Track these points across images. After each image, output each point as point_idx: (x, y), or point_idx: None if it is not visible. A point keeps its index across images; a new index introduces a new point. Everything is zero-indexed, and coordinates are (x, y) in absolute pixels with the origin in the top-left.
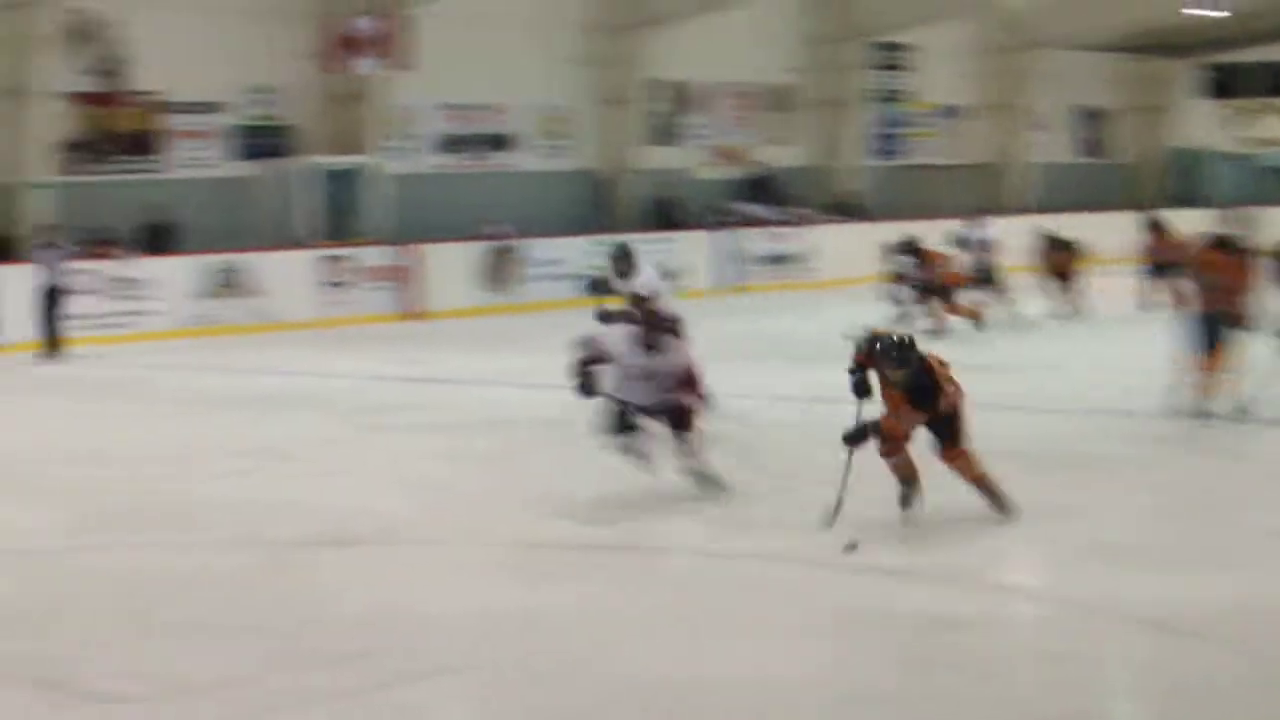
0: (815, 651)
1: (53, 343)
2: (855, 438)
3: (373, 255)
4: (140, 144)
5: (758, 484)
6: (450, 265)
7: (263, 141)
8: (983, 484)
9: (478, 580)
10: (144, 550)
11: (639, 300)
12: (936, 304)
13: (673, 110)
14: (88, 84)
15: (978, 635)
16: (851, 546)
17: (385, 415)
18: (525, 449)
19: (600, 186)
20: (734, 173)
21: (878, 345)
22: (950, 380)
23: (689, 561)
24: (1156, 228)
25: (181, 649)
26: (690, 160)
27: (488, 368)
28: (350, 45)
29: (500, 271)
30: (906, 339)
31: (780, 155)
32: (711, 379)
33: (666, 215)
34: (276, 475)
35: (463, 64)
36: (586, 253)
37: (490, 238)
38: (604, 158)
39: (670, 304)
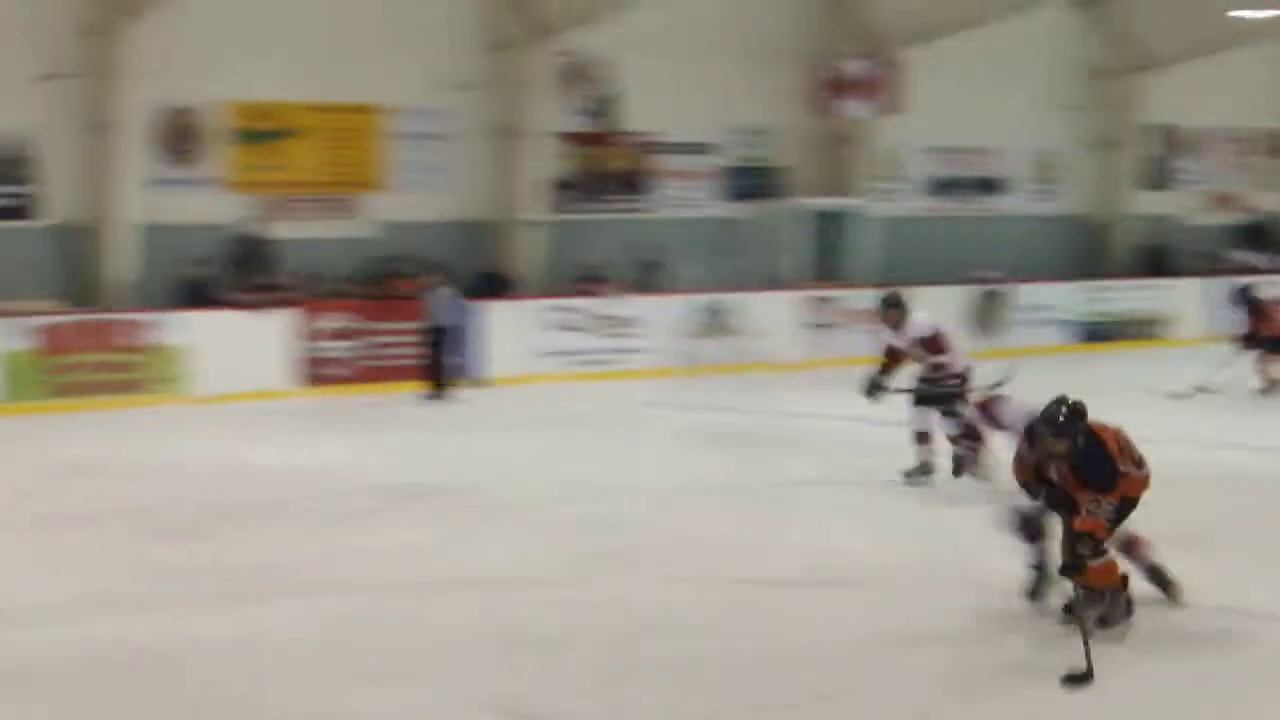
0: None
1: (438, 383)
2: (1024, 526)
3: (859, 298)
4: (629, 183)
5: None
6: (937, 309)
7: (750, 182)
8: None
9: (942, 627)
10: (619, 586)
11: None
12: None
13: (1165, 154)
14: (579, 124)
15: None
16: None
17: (872, 458)
18: None
19: (1091, 231)
20: (1228, 219)
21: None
22: (1135, 460)
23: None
24: None
25: (643, 686)
26: (1183, 206)
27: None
28: (840, 88)
29: (988, 316)
30: (1071, 405)
31: (1276, 201)
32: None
33: (1158, 261)
34: (757, 515)
35: (952, 107)
36: (1075, 299)
37: (980, 281)
38: (1095, 202)
39: (957, 353)
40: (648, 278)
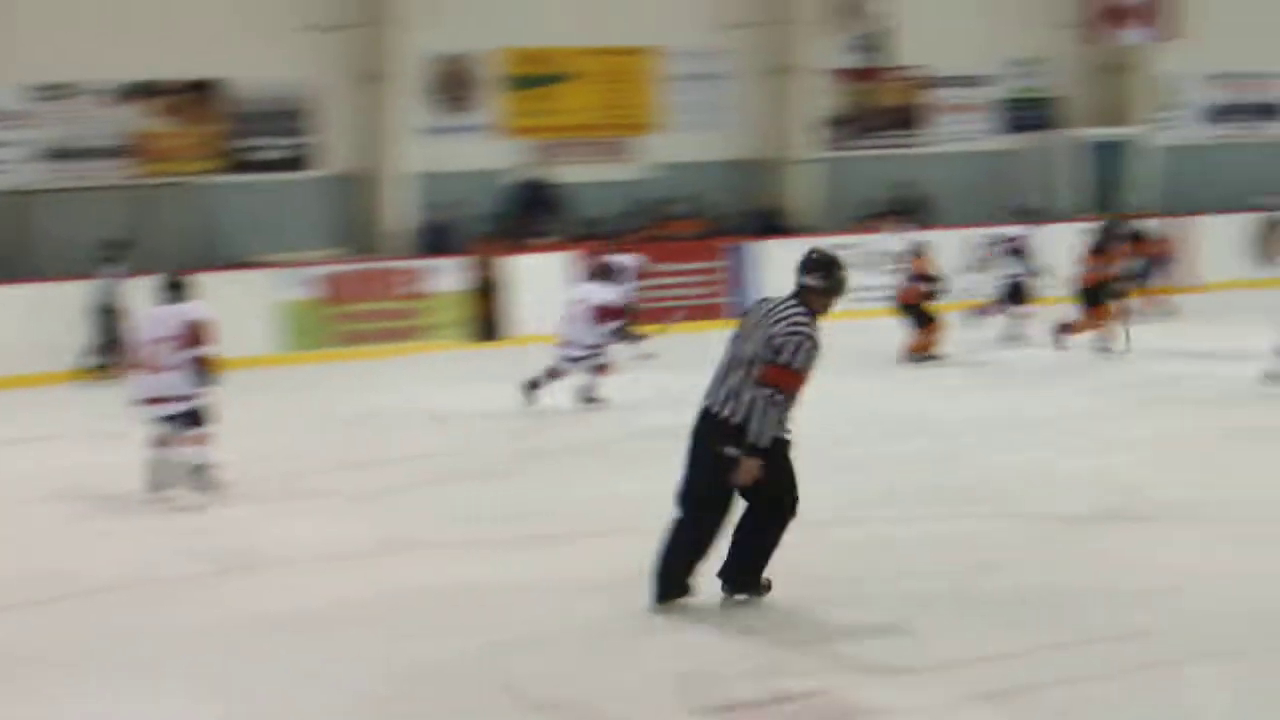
0: None
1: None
2: None
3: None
4: (903, 119)
5: None
6: (1219, 238)
7: (1026, 114)
8: None
9: (1262, 563)
10: (930, 521)
11: None
12: None
13: None
14: (852, 60)
15: None
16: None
17: (1157, 389)
18: None
19: None
20: None
21: None
22: None
23: None
24: None
25: (953, 621)
26: None
27: (1254, 343)
28: (1115, 15)
29: (1271, 244)
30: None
31: None
32: None
33: None
34: (1059, 449)
35: (1232, 31)
36: None
37: (1263, 209)
38: None
39: None
40: (923, 214)
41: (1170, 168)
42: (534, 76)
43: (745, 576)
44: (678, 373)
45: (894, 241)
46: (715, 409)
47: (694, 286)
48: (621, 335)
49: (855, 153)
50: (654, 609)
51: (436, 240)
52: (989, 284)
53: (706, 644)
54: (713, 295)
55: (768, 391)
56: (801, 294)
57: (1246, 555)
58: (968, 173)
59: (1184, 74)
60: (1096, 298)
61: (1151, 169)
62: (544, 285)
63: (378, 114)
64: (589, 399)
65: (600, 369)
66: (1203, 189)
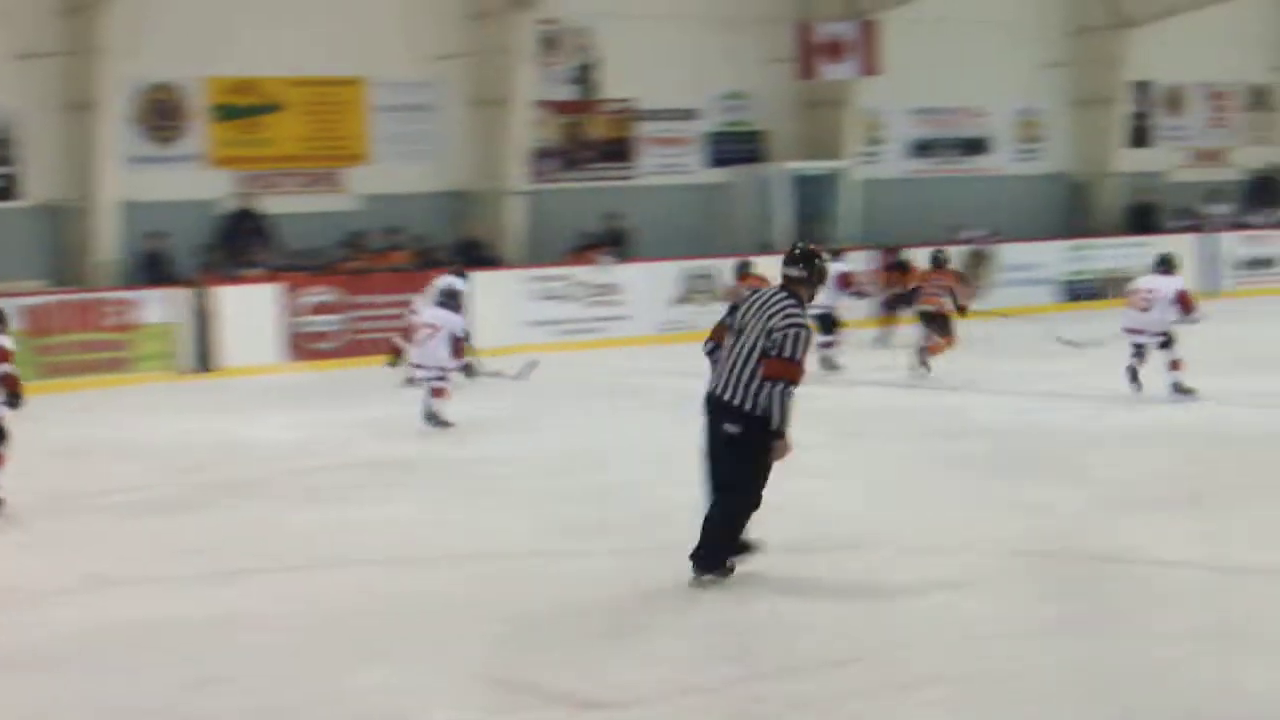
0: None
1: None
2: None
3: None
4: (612, 151)
5: (1245, 494)
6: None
7: (735, 148)
8: None
9: (953, 589)
10: (613, 555)
11: None
12: None
13: (1149, 111)
14: (562, 93)
15: None
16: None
17: (866, 422)
18: (1011, 454)
19: (1075, 189)
20: (1220, 174)
21: None
22: None
23: (1190, 576)
24: None
25: (647, 656)
26: (1167, 163)
27: (967, 375)
28: (822, 50)
29: (974, 276)
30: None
31: (1261, 156)
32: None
33: (1142, 219)
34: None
35: (934, 68)
36: (1060, 258)
37: (965, 242)
38: (1079, 160)
39: None
40: (630, 246)
41: (875, 200)
42: (242, 106)
43: (713, 558)
44: (386, 405)
45: (601, 274)
46: (722, 394)
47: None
48: (464, 369)
49: (564, 185)
50: (696, 582)
51: (146, 271)
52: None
53: (397, 683)
54: None
55: (779, 385)
56: (788, 285)
57: (922, 582)
58: (677, 205)
59: (888, 108)
60: (944, 321)
61: (855, 202)
62: (254, 317)
63: (85, 143)
64: (436, 421)
65: (438, 391)
66: (907, 221)
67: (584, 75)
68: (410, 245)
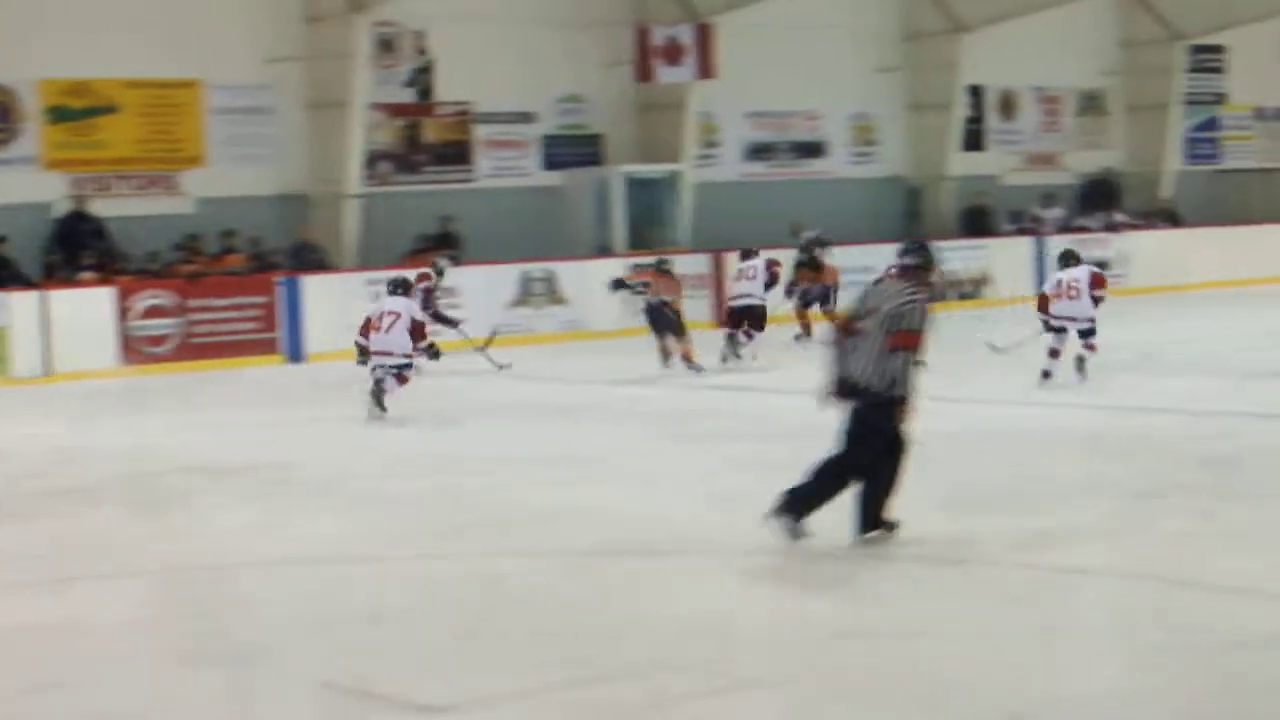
0: (1145, 669)
1: None
2: None
3: (683, 264)
4: (449, 154)
5: (1069, 495)
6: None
7: (571, 151)
8: None
9: (782, 591)
10: (452, 560)
11: None
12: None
13: (982, 116)
14: (398, 96)
15: None
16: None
17: (690, 424)
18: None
19: (911, 193)
20: (1053, 178)
21: None
22: None
23: (1014, 575)
24: None
25: (483, 659)
26: (1001, 166)
27: (786, 375)
28: (659, 54)
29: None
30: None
31: (1093, 160)
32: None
33: (976, 222)
34: (585, 482)
35: (769, 72)
36: (895, 261)
37: (799, 245)
38: (915, 164)
39: None
40: (464, 249)
41: (711, 204)
42: (76, 109)
43: (871, 518)
44: (223, 410)
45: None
46: (851, 376)
47: (244, 321)
48: (428, 350)
49: (401, 188)
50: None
51: None
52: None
53: (235, 689)
54: (262, 330)
55: (902, 354)
56: (905, 273)
57: (765, 586)
58: (514, 208)
59: (725, 112)
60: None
61: (690, 205)
62: (88, 320)
63: None
64: (379, 405)
65: (402, 378)
66: (744, 225)
67: (421, 78)
68: (246, 248)
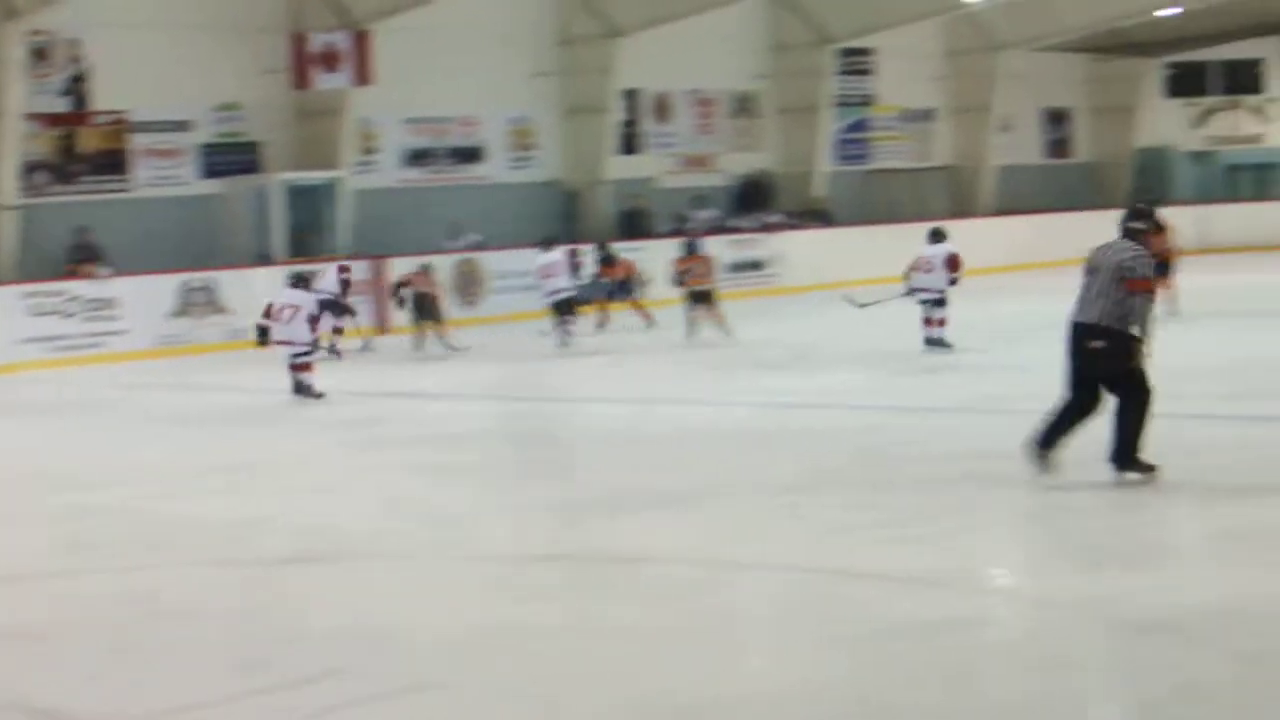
0: (815, 662)
1: None
2: None
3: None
4: (107, 163)
5: (732, 491)
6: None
7: (229, 159)
8: None
9: (458, 595)
10: (120, 574)
11: None
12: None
13: (638, 119)
14: (53, 105)
15: (968, 639)
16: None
17: (359, 430)
18: (500, 460)
19: (569, 197)
20: (707, 180)
21: None
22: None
23: (680, 572)
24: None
25: (153, 673)
26: (657, 169)
27: (462, 380)
28: (316, 60)
29: (467, 283)
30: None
31: (747, 162)
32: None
33: (634, 224)
34: (251, 493)
35: (426, 78)
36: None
37: (457, 250)
38: (571, 168)
39: None
40: (106, 259)
41: (369, 210)
42: None
43: (1127, 456)
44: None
45: (95, 288)
46: (1088, 320)
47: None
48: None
49: (58, 199)
50: (1034, 453)
51: None
52: None
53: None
54: None
55: (1139, 296)
56: (1131, 235)
57: (440, 590)
58: (172, 218)
59: (382, 119)
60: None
61: (349, 212)
62: None
63: None
64: (307, 394)
65: (304, 366)
66: (403, 231)
67: (76, 87)
68: None
